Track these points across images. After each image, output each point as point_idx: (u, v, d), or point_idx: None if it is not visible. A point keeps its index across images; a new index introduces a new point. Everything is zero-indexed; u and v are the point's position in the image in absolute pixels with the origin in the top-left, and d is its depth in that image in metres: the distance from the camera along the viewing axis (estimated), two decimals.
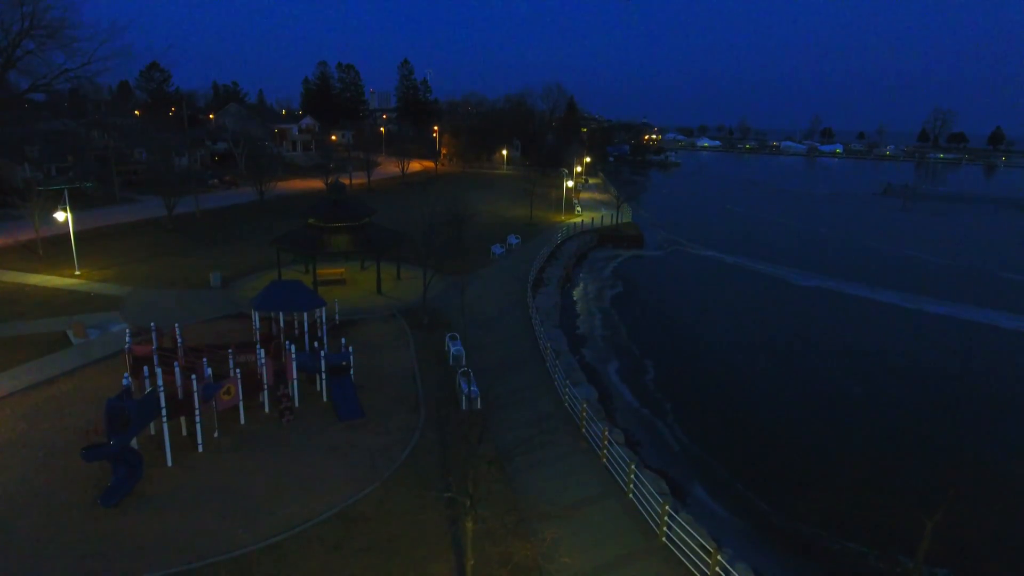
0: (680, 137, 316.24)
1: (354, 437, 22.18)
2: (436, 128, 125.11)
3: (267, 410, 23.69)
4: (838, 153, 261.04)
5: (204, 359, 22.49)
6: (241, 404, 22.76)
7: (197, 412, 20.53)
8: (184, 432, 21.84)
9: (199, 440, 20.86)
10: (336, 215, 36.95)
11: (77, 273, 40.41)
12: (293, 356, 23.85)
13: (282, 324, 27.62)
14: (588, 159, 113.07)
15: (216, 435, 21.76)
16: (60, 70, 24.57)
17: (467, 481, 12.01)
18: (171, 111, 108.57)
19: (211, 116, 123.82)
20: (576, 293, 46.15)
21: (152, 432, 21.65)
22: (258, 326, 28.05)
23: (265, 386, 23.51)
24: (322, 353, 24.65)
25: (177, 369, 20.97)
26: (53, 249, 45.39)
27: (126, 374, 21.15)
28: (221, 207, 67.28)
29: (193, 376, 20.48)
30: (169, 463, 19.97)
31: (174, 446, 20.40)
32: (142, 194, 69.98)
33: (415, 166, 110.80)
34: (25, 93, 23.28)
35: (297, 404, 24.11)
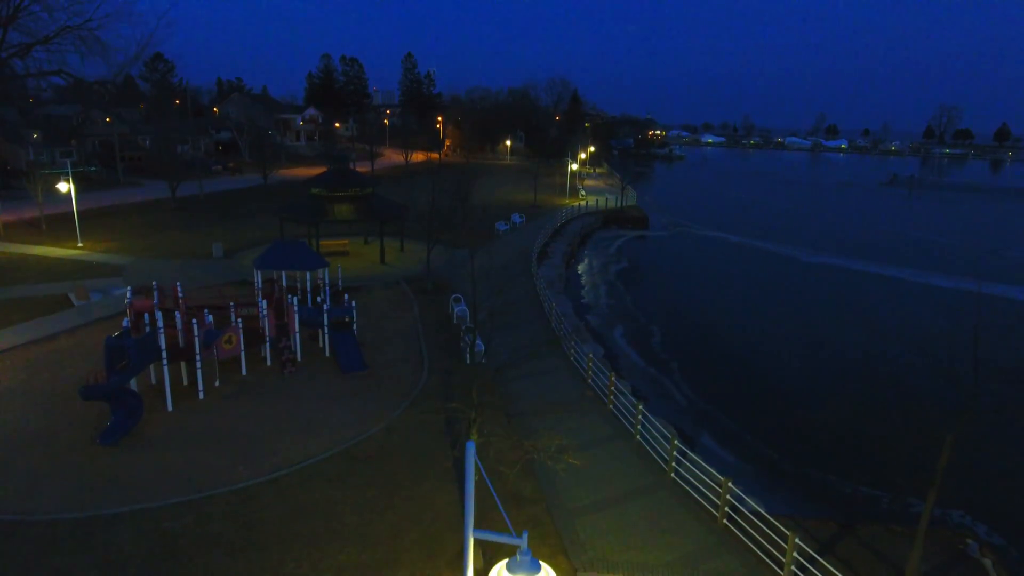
0: (684, 134, 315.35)
1: (357, 387, 21.91)
2: (440, 119, 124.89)
3: (269, 363, 23.44)
4: (843, 148, 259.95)
5: (205, 309, 22.26)
6: (243, 355, 22.49)
7: (198, 358, 20.26)
8: (185, 382, 21.62)
9: (200, 387, 20.60)
10: (339, 184, 36.71)
11: (80, 245, 40.26)
12: (295, 308, 23.58)
13: (284, 283, 27.34)
14: (592, 148, 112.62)
15: (217, 384, 21.49)
16: (62, 26, 24.45)
17: (471, 393, 11.69)
18: (176, 103, 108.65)
19: (215, 110, 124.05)
20: (581, 268, 45.82)
21: (153, 381, 21.43)
22: (260, 285, 27.76)
23: (267, 338, 23.23)
24: (324, 307, 24.36)
25: (178, 316, 20.73)
26: (56, 225, 45.30)
27: (125, 318, 20.91)
28: (225, 190, 67.24)
29: (194, 320, 20.19)
30: (169, 408, 19.72)
31: (175, 395, 20.15)
32: (146, 179, 69.99)
33: (419, 157, 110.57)
34: (31, 47, 23.03)
35: (299, 358, 23.85)
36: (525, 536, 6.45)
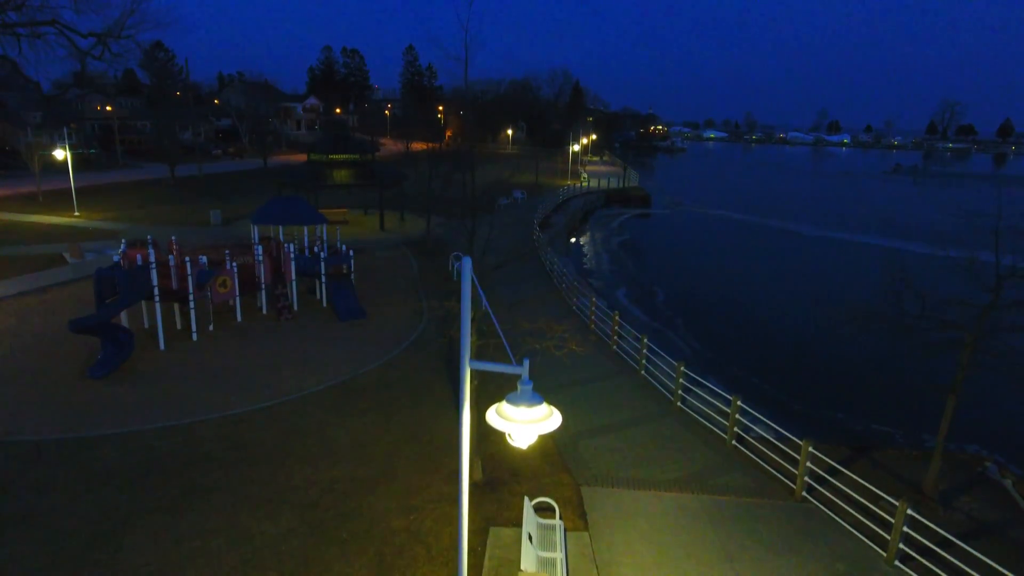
0: (686, 130, 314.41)
1: (355, 331, 21.42)
2: (440, 108, 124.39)
3: (265, 311, 22.97)
4: (845, 143, 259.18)
5: (201, 256, 21.76)
6: (238, 302, 22.00)
7: (191, 298, 19.77)
8: (179, 326, 21.17)
9: (193, 328, 20.12)
10: (338, 149, 36.21)
11: (76, 214, 39.86)
12: (292, 256, 23.09)
13: (282, 238, 26.85)
14: (594, 136, 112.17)
15: (211, 328, 21.03)
16: None
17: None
18: (176, 94, 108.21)
19: (216, 101, 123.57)
20: (583, 239, 45.35)
21: (146, 325, 20.96)
22: (257, 240, 27.27)
23: (263, 285, 22.72)
24: (322, 255, 23.88)
25: (171, 259, 20.26)
26: (53, 198, 44.96)
27: (116, 255, 20.44)
28: (224, 172, 66.86)
29: (187, 259, 19.69)
30: (162, 347, 19.23)
31: (168, 338, 19.69)
32: (145, 162, 69.63)
33: (419, 146, 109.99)
34: None
35: (296, 308, 23.37)
36: (526, 364, 5.88)
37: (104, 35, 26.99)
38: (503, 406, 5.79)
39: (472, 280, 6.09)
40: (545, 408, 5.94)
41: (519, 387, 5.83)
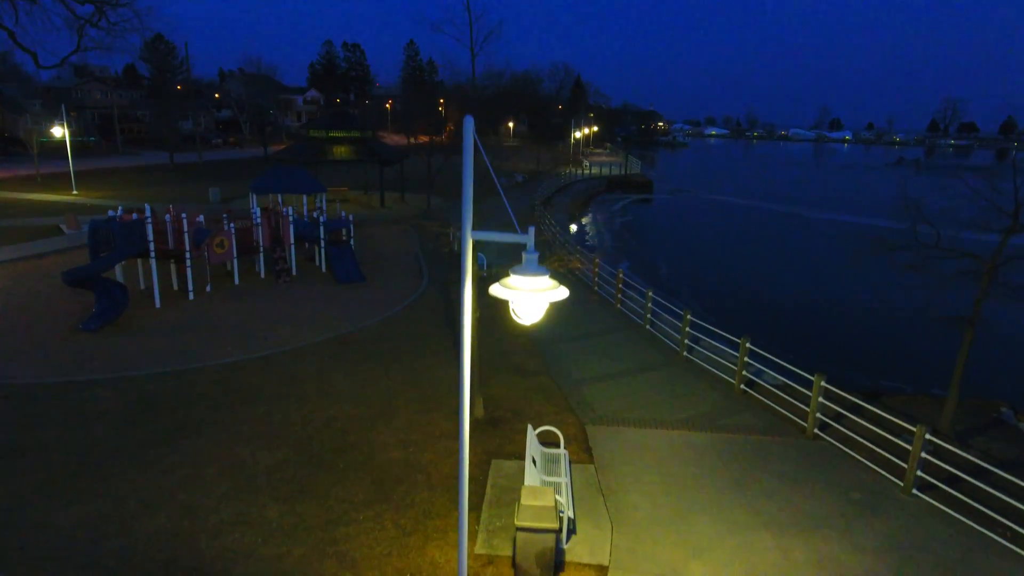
0: (687, 127, 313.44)
1: (355, 292, 21.08)
2: (441, 101, 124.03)
3: (263, 275, 22.64)
4: (847, 140, 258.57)
5: (198, 216, 21.42)
6: (236, 264, 21.67)
7: (187, 256, 19.42)
8: (175, 286, 20.82)
9: (190, 288, 19.79)
10: (337, 125, 35.87)
11: (75, 192, 39.58)
12: (291, 219, 22.75)
13: (280, 204, 26.50)
14: (596, 128, 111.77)
15: (208, 289, 20.70)
16: None
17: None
18: (178, 87, 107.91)
19: (216, 96, 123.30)
20: (585, 220, 44.96)
21: (142, 286, 20.62)
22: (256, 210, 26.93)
23: (261, 248, 22.37)
24: (321, 219, 23.53)
25: (167, 219, 19.93)
26: (52, 179, 44.72)
27: (111, 211, 20.11)
28: (225, 159, 66.58)
29: (184, 215, 19.36)
30: (157, 304, 18.89)
31: (164, 297, 19.34)
32: (145, 151, 69.36)
33: (421, 139, 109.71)
34: None
35: (294, 272, 23.03)
36: (531, 232, 5.50)
37: (102, 2, 26.66)
38: (508, 278, 5.45)
39: (474, 139, 5.75)
40: (551, 280, 5.59)
41: (524, 256, 5.48)
